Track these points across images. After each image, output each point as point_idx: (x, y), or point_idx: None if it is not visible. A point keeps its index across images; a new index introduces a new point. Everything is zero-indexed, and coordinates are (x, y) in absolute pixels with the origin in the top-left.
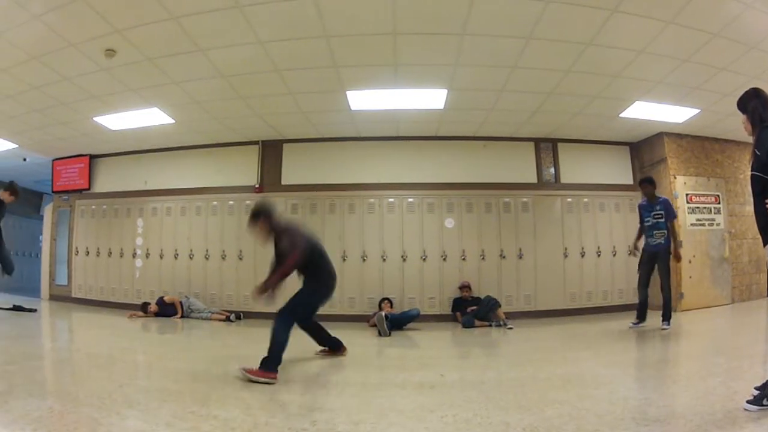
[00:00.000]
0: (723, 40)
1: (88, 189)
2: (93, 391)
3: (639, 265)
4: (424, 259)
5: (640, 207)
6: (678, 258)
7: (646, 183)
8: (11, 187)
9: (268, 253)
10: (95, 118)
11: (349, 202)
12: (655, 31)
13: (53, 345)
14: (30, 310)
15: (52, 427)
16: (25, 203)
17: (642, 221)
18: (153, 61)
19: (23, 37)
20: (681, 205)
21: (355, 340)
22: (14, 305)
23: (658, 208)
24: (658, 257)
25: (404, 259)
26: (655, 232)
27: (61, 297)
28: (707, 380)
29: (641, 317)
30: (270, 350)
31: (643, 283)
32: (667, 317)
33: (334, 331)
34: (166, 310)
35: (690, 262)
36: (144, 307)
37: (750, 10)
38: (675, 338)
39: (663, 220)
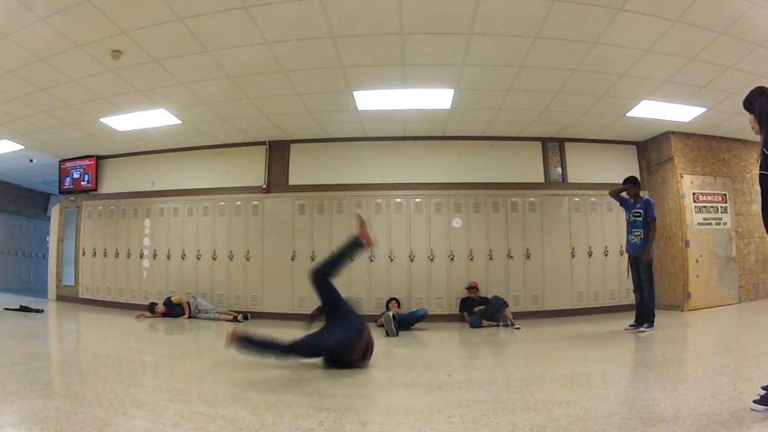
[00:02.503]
0: (729, 38)
1: (95, 190)
2: (100, 391)
3: (628, 268)
4: (432, 259)
5: (625, 201)
6: (646, 259)
7: (630, 183)
8: None
9: (275, 253)
10: (102, 119)
11: (356, 202)
12: (661, 29)
13: (60, 345)
14: (37, 311)
15: (59, 427)
16: (32, 204)
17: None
18: (160, 62)
19: (29, 38)
20: (688, 205)
21: None
22: (21, 306)
23: (638, 206)
24: (638, 260)
25: (411, 259)
26: (633, 229)
27: (68, 298)
28: (714, 380)
29: (638, 320)
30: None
31: (637, 286)
32: (648, 319)
33: None
34: (173, 310)
35: (697, 261)
36: (151, 308)
37: (755, 8)
38: (682, 338)
39: (641, 219)
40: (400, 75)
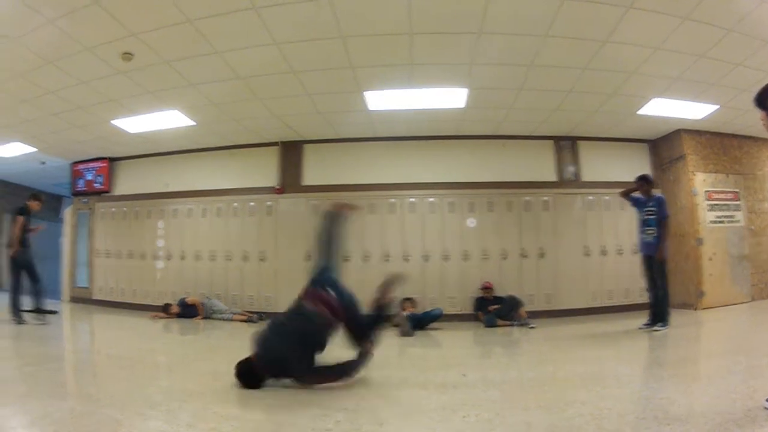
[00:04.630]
0: (737, 35)
1: (108, 192)
2: (114, 392)
3: (642, 267)
4: (446, 259)
5: (636, 200)
6: (660, 257)
7: (642, 180)
8: (38, 197)
9: (288, 254)
10: (113, 122)
11: (370, 202)
12: (671, 27)
13: (74, 347)
14: (50, 312)
15: (73, 428)
16: (45, 206)
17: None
18: (170, 64)
19: (38, 41)
20: (700, 203)
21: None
22: (35, 307)
23: (650, 204)
24: (652, 258)
25: (426, 259)
26: (646, 228)
27: (82, 299)
28: (727, 379)
29: (652, 319)
30: None
31: (651, 285)
32: (662, 318)
33: None
34: (187, 311)
35: (710, 259)
36: (166, 309)
37: (764, 5)
38: (695, 337)
39: (654, 217)
40: (410, 75)
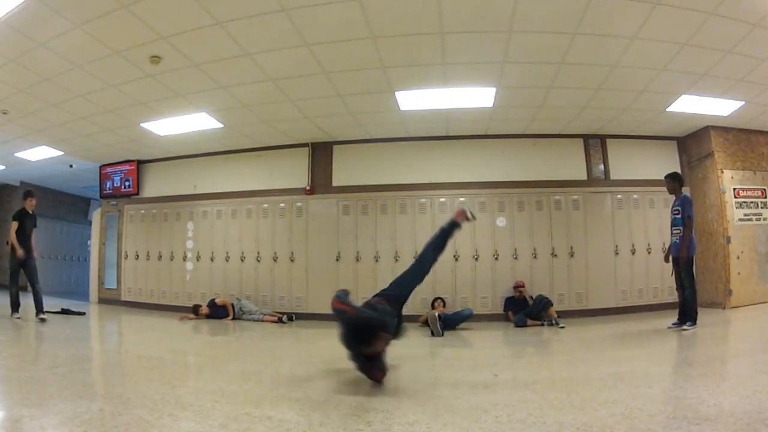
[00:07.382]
0: (763, 30)
1: (137, 194)
2: (144, 392)
3: (673, 267)
4: (477, 259)
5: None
6: (683, 257)
7: (667, 178)
8: (29, 193)
9: (319, 254)
10: (142, 124)
11: (400, 202)
12: (697, 23)
13: (103, 347)
14: (78, 314)
15: (103, 429)
16: (73, 209)
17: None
18: (199, 67)
19: (66, 46)
20: (729, 200)
21: (409, 340)
22: (62, 309)
23: (677, 204)
24: (679, 259)
25: (456, 259)
26: (673, 228)
27: (111, 300)
28: (756, 378)
29: (681, 318)
30: None
31: (679, 285)
32: (690, 318)
33: None
34: (217, 312)
35: (738, 258)
36: (195, 310)
37: None
38: (724, 336)
39: (679, 216)
40: (442, 74)
